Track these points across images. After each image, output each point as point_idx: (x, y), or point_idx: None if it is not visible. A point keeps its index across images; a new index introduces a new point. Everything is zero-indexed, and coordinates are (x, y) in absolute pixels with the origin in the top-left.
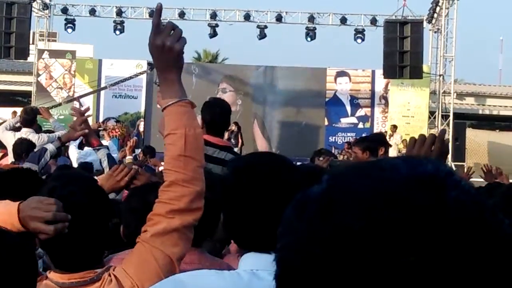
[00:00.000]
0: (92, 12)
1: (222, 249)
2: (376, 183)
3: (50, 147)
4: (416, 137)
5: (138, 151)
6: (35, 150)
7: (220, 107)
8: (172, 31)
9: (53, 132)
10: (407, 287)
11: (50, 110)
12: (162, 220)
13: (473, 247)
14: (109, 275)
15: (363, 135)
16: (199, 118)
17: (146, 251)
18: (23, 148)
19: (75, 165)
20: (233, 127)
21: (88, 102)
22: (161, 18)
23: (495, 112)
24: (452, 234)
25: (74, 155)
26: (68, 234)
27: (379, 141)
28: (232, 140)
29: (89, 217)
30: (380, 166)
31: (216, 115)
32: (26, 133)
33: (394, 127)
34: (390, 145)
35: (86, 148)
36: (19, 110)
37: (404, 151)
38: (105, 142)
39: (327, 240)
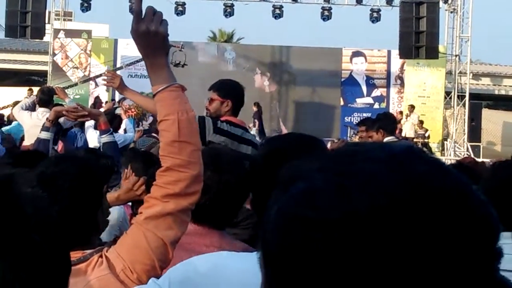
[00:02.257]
0: None
1: None
2: (370, 164)
3: (42, 135)
4: (432, 117)
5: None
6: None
7: (241, 90)
8: (154, 16)
9: None
10: (409, 260)
11: (66, 90)
12: (157, 203)
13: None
14: (101, 256)
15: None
16: (215, 96)
17: (139, 233)
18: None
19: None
20: (254, 108)
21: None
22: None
23: (511, 93)
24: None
25: (94, 137)
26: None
27: (387, 118)
28: (256, 121)
29: (77, 197)
30: (353, 152)
31: (240, 97)
32: (42, 113)
33: (412, 107)
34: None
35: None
36: (35, 89)
37: (420, 131)
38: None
39: (354, 221)
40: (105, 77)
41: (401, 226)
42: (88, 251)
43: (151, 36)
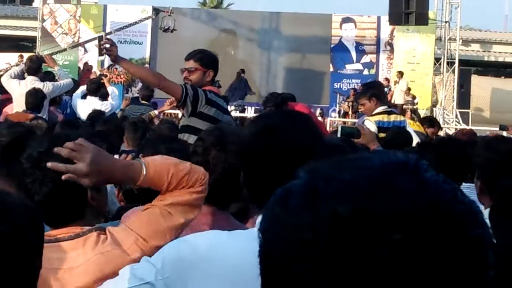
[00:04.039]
0: None
1: None
2: (356, 171)
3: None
4: (421, 84)
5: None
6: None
7: (218, 60)
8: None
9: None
10: (396, 266)
11: (55, 56)
12: (182, 193)
13: (452, 223)
14: (103, 233)
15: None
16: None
17: (155, 212)
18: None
19: (83, 116)
20: (242, 74)
21: (93, 47)
22: None
23: (500, 59)
24: (434, 211)
25: (81, 106)
26: (50, 189)
27: (380, 86)
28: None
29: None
30: (354, 158)
31: (217, 68)
32: (31, 81)
33: (400, 73)
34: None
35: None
36: (25, 55)
37: (408, 98)
38: (109, 89)
39: (316, 226)
40: (106, 45)
41: (365, 239)
42: (87, 228)
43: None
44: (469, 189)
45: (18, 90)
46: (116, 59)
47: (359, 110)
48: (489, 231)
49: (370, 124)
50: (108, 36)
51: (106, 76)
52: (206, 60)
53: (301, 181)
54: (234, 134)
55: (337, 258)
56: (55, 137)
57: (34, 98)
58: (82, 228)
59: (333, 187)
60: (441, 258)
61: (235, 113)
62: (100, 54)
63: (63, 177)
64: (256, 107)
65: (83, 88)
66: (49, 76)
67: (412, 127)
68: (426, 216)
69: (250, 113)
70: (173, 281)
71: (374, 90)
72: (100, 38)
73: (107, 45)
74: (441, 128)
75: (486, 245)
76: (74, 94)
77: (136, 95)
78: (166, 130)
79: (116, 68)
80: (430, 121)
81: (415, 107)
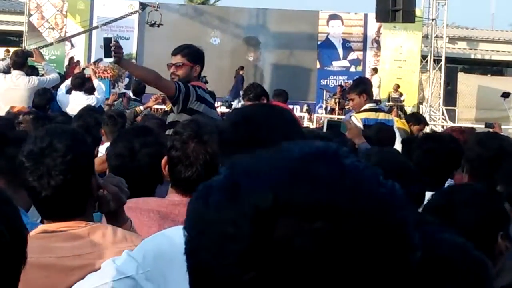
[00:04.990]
0: None
1: None
2: (276, 162)
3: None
4: (408, 81)
5: (129, 91)
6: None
7: (204, 55)
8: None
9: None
10: (320, 255)
11: (41, 50)
12: None
13: (374, 207)
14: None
15: (355, 78)
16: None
17: None
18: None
19: (69, 110)
20: (241, 72)
21: (80, 42)
22: None
23: (487, 57)
24: (355, 197)
25: (65, 100)
26: (59, 182)
27: (370, 83)
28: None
29: (71, 167)
30: (274, 150)
31: (203, 63)
32: (16, 75)
33: (374, 70)
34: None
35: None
36: (12, 49)
37: (394, 95)
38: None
39: (238, 220)
40: (114, 48)
41: (287, 231)
42: (92, 223)
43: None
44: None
45: (4, 85)
46: (121, 62)
47: (346, 107)
48: (413, 213)
49: (356, 121)
50: (112, 36)
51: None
52: (193, 55)
53: (222, 176)
54: (210, 125)
55: (261, 251)
56: (52, 131)
57: (41, 99)
58: (87, 223)
59: (253, 181)
60: (365, 243)
61: (221, 109)
62: (108, 56)
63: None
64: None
65: (67, 82)
66: (34, 71)
67: (396, 123)
68: (347, 202)
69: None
70: (154, 275)
71: (364, 86)
72: (108, 40)
73: (116, 48)
74: (427, 124)
75: (411, 226)
76: (58, 89)
77: (123, 90)
78: (154, 126)
79: (103, 65)
80: (417, 118)
81: (401, 104)
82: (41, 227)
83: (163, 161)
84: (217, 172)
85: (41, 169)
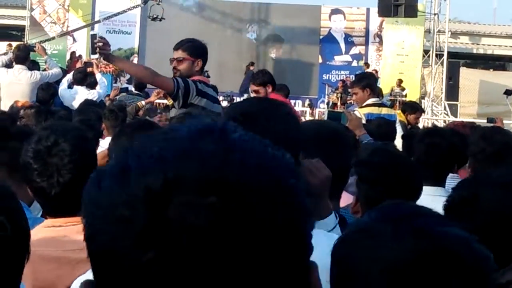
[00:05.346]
0: None
1: None
2: (165, 143)
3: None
4: (410, 76)
5: (131, 86)
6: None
7: (207, 49)
8: None
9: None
10: (215, 230)
11: (43, 44)
12: None
13: (263, 178)
14: None
15: (357, 73)
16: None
17: None
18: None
19: (71, 104)
20: (251, 67)
21: (82, 37)
22: None
23: (489, 52)
24: (242, 170)
25: (67, 95)
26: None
27: (374, 77)
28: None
29: (78, 165)
30: (164, 131)
31: (206, 57)
32: (19, 69)
33: (366, 65)
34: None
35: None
36: (14, 44)
37: (397, 89)
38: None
39: (132, 204)
40: (99, 44)
41: (179, 209)
42: None
43: None
44: (453, 179)
45: (6, 79)
46: (108, 58)
47: (348, 101)
48: (302, 179)
49: (358, 115)
50: (97, 32)
51: (92, 65)
52: (195, 49)
53: (114, 161)
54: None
55: (157, 231)
56: (56, 129)
57: (45, 93)
58: None
59: (143, 163)
60: (258, 214)
61: (223, 103)
62: (94, 52)
63: None
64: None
65: (69, 77)
66: (35, 66)
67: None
68: (235, 176)
69: None
70: None
71: (368, 81)
72: (93, 37)
73: (100, 44)
74: (423, 112)
75: (302, 193)
76: (60, 84)
77: (125, 85)
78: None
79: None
80: (412, 107)
81: (404, 99)
82: (49, 221)
83: None
84: None
85: (49, 170)
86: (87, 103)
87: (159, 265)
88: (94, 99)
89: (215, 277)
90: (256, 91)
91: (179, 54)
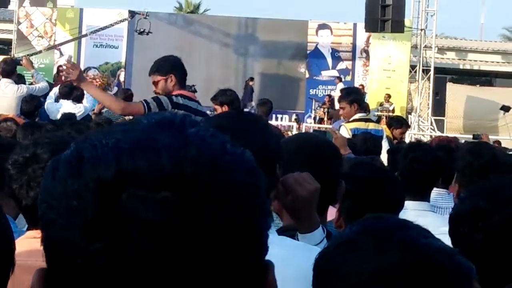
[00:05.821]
0: None
1: None
2: (121, 134)
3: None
4: (397, 91)
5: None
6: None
7: (179, 60)
8: None
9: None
10: (169, 224)
11: (30, 58)
12: None
13: (219, 175)
14: None
15: (349, 86)
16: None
17: None
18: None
19: (57, 117)
20: (250, 82)
21: (68, 51)
22: None
23: (476, 67)
24: (197, 165)
25: (53, 108)
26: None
27: (361, 93)
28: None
29: None
30: (125, 122)
31: (180, 68)
32: (5, 83)
33: (339, 79)
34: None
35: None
36: (1, 57)
37: (386, 105)
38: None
39: (81, 192)
40: (64, 67)
41: (130, 202)
42: None
43: None
44: (440, 195)
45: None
46: (78, 82)
47: (339, 115)
48: (262, 179)
49: (344, 130)
50: (82, 39)
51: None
52: (163, 67)
53: (69, 151)
54: None
55: (106, 222)
56: (37, 142)
57: (29, 105)
58: None
59: (97, 153)
60: (211, 210)
61: None
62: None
63: None
64: None
65: (55, 90)
66: (21, 80)
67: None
68: (189, 171)
69: None
70: None
71: (356, 96)
72: (68, 60)
73: (64, 69)
74: (409, 127)
75: (259, 192)
76: (47, 98)
77: None
78: None
79: (94, 73)
80: (398, 121)
81: (390, 114)
82: (30, 233)
83: None
84: None
85: (22, 179)
86: (65, 117)
87: (106, 256)
88: (80, 113)
89: (163, 273)
90: (215, 109)
91: (152, 78)
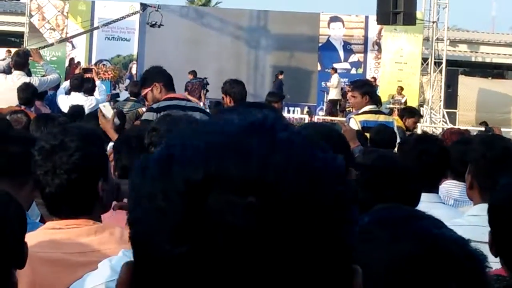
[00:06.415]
0: None
1: None
2: (211, 136)
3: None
4: (408, 84)
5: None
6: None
7: (159, 68)
8: None
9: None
10: (251, 231)
11: (42, 50)
12: None
13: (308, 182)
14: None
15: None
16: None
17: None
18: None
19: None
20: (280, 76)
21: (81, 43)
22: None
23: (487, 60)
24: (286, 172)
25: (64, 101)
26: (62, 181)
27: (374, 87)
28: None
29: (77, 167)
30: (217, 121)
31: (163, 74)
32: (17, 75)
33: (334, 70)
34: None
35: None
36: (13, 50)
37: (398, 97)
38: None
39: (170, 193)
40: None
41: (217, 206)
42: (99, 223)
43: None
44: (452, 185)
45: (4, 85)
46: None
47: (347, 109)
48: (351, 187)
49: (353, 123)
50: (94, 31)
51: (91, 70)
52: (146, 80)
53: (160, 149)
54: (184, 117)
55: (192, 225)
56: (66, 130)
57: (26, 93)
58: (95, 222)
59: (187, 154)
60: (297, 218)
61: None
62: None
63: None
64: None
65: (66, 83)
66: (29, 74)
67: (396, 123)
68: (276, 177)
69: None
70: None
71: (369, 88)
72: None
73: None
74: (421, 117)
75: (348, 201)
76: (58, 91)
77: (124, 91)
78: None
79: (104, 65)
80: (410, 112)
81: (402, 106)
82: (50, 224)
83: None
84: None
85: (47, 165)
86: (73, 109)
87: (191, 260)
88: (92, 105)
89: (245, 279)
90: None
91: (142, 93)
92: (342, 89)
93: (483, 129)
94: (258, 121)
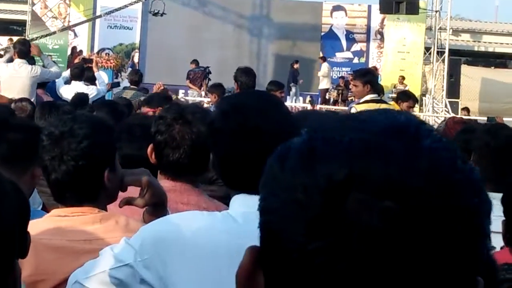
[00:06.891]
0: None
1: None
2: (357, 133)
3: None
4: (411, 73)
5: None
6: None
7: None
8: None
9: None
10: (386, 234)
11: (45, 39)
12: None
13: (447, 192)
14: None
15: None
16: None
17: None
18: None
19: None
20: (295, 65)
21: (83, 32)
22: None
23: (490, 49)
24: (426, 180)
25: (66, 90)
26: (69, 167)
27: (376, 76)
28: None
29: (85, 154)
30: (360, 118)
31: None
32: (19, 63)
33: (322, 59)
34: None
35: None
36: (15, 38)
37: (400, 86)
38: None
39: (310, 188)
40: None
41: (356, 205)
42: (104, 212)
43: None
44: None
45: (5, 72)
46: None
47: (349, 98)
48: (487, 200)
49: (355, 112)
50: (97, 20)
51: (91, 60)
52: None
53: (301, 140)
54: (191, 106)
55: (329, 222)
56: (76, 117)
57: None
58: (100, 210)
59: (330, 150)
60: (432, 227)
61: None
62: None
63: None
64: None
65: (66, 73)
66: (32, 62)
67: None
68: (418, 184)
69: None
70: (153, 262)
71: (371, 77)
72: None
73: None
74: (417, 101)
75: (483, 214)
76: (57, 80)
77: (126, 80)
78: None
79: (107, 53)
80: (405, 95)
81: None
82: (55, 211)
83: (149, 149)
84: (205, 152)
85: (55, 151)
86: (77, 97)
87: (324, 256)
88: (93, 95)
89: (374, 280)
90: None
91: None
92: (343, 77)
93: (485, 118)
94: (402, 124)
